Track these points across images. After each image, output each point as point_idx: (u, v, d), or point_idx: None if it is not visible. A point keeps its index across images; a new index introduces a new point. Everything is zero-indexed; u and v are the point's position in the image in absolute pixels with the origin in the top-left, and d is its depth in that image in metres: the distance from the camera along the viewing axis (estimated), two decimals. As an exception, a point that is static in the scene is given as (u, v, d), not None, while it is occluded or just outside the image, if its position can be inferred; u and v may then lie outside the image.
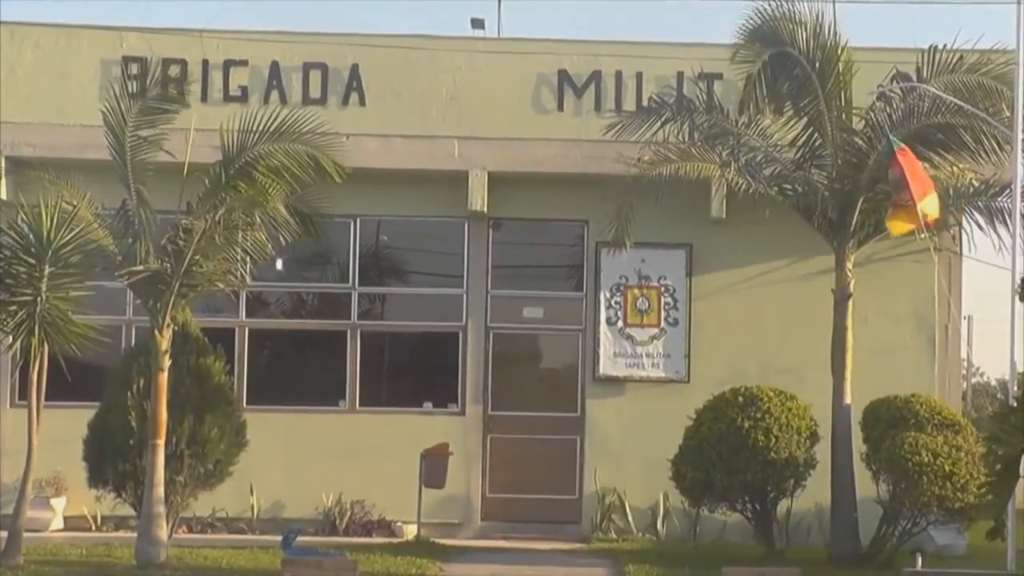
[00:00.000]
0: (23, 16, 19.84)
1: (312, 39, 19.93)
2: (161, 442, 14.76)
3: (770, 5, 17.13)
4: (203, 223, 14.83)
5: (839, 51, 17.10)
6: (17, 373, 18.35)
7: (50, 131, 18.27)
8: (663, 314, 19.97)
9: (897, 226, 16.25)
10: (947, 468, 15.81)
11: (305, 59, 19.66)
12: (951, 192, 17.52)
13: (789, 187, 17.63)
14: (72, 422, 15.99)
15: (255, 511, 18.94)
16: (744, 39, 17.36)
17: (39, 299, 14.55)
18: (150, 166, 15.45)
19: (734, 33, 17.41)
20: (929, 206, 15.84)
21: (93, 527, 18.48)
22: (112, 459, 15.54)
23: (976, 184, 17.59)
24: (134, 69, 19.21)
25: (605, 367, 19.91)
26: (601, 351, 19.92)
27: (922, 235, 16.53)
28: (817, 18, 17.08)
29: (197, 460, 15.54)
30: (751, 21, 17.25)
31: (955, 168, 17.18)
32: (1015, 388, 14.66)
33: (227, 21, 21.05)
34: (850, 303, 17.26)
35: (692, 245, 19.86)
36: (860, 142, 17.22)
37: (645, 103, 18.89)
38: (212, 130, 15.58)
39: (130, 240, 15.09)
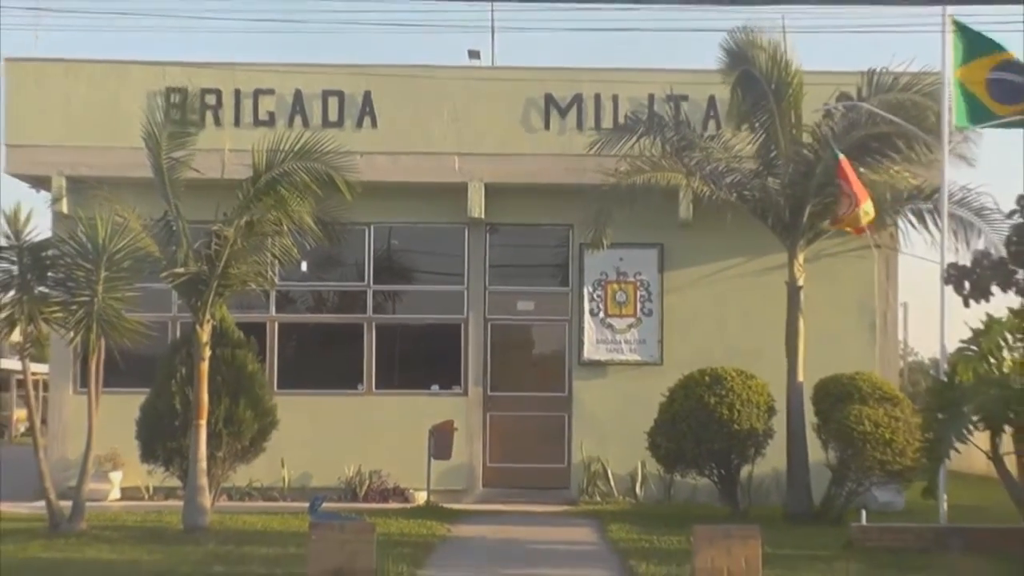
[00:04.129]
0: (77, 53, 19.95)
1: (330, 70, 19.93)
2: (203, 423, 14.88)
3: (739, 32, 17.22)
4: (234, 231, 14.90)
5: (792, 74, 17.18)
6: (78, 364, 18.42)
7: (103, 153, 18.31)
8: (639, 305, 20.02)
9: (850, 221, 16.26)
10: (887, 436, 15.90)
11: (324, 87, 19.67)
12: (888, 196, 17.61)
13: (747, 193, 17.65)
14: (126, 406, 16.05)
15: (286, 481, 18.98)
16: (727, 57, 17.46)
17: (96, 299, 14.66)
18: (192, 183, 15.52)
19: (717, 51, 17.54)
20: (867, 209, 15.95)
21: (146, 497, 18.55)
22: (161, 438, 15.64)
23: (911, 188, 17.68)
24: (176, 99, 19.40)
25: (589, 352, 19.96)
26: (585, 338, 19.96)
27: (862, 235, 16.62)
28: (775, 45, 17.19)
29: (234, 438, 15.62)
30: (727, 43, 17.36)
31: (891, 172, 17.23)
32: (945, 366, 14.73)
33: (255, 55, 21.05)
34: (801, 294, 17.37)
35: (663, 245, 19.89)
36: (808, 153, 17.28)
37: (621, 121, 18.88)
38: (244, 150, 15.65)
39: (173, 247, 15.16)
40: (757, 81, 17.19)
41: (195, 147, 15.84)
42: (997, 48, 15.24)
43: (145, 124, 15.20)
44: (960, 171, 17.44)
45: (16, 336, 15.57)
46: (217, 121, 19.49)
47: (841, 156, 15.99)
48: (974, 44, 15.23)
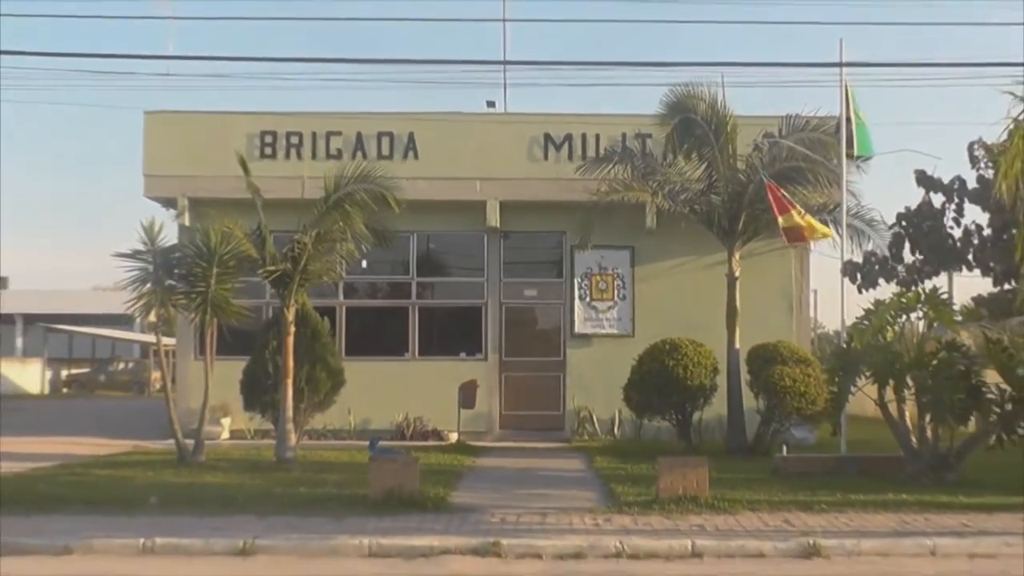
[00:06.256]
0: (195, 107, 20.11)
1: (383, 116, 20.01)
2: (290, 382, 14.90)
3: (679, 87, 17.26)
4: (311, 238, 15.03)
5: (727, 118, 17.20)
6: (197, 337, 18.52)
7: (215, 181, 18.36)
8: (616, 292, 20.07)
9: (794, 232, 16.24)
10: (802, 389, 15.96)
11: (379, 129, 19.73)
12: (803, 210, 17.62)
13: (697, 207, 17.67)
14: (232, 369, 16.09)
15: (352, 425, 19.04)
16: (664, 109, 17.46)
17: (210, 290, 14.78)
18: (281, 201, 15.64)
19: (657, 105, 17.49)
20: (790, 220, 15.88)
21: (248, 437, 18.56)
22: (259, 393, 15.67)
23: (819, 203, 17.68)
24: (268, 139, 19.57)
25: (578, 327, 20.03)
26: (575, 317, 20.03)
27: (781, 240, 16.66)
28: (712, 95, 17.21)
29: (313, 393, 15.63)
30: (668, 97, 17.34)
31: (804, 193, 17.24)
32: (844, 336, 14.83)
33: (327, 106, 21.17)
34: (737, 283, 17.42)
35: (634, 247, 19.94)
36: (742, 177, 17.29)
37: (601, 154, 18.89)
38: (319, 177, 15.71)
39: (266, 250, 15.25)
40: (698, 124, 17.18)
41: (281, 176, 15.93)
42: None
43: (239, 163, 15.26)
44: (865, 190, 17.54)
45: (152, 317, 15.74)
46: (299, 155, 19.60)
47: (768, 180, 16.02)
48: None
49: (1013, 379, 12.68)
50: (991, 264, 24.21)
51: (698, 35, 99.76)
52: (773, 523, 10.23)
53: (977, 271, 25.12)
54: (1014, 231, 14.20)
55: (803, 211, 15.97)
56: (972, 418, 13.33)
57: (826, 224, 16.85)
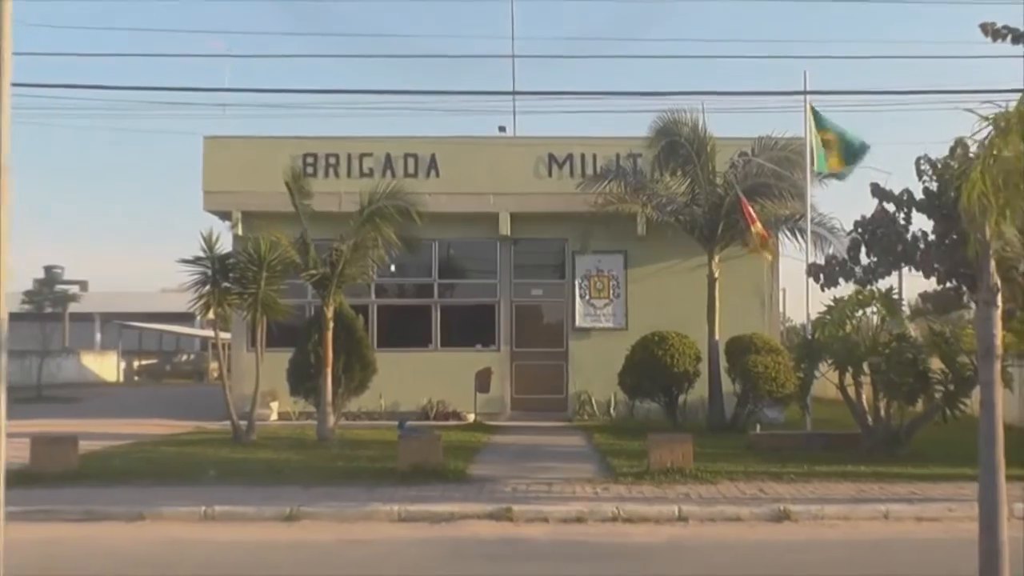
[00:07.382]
0: (247, 132, 20.16)
1: (409, 140, 19.99)
2: (329, 370, 14.99)
3: (666, 113, 17.27)
4: (347, 246, 15.06)
5: (707, 140, 17.20)
6: (249, 332, 18.54)
7: (265, 196, 18.28)
8: (612, 291, 20.03)
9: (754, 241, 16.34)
10: (773, 375, 15.95)
11: (405, 151, 19.70)
12: (774, 219, 17.63)
13: (681, 217, 17.69)
14: (279, 359, 16.13)
15: (383, 408, 19.01)
16: (653, 133, 17.46)
17: (260, 291, 14.83)
18: (321, 214, 15.70)
19: (647, 129, 17.49)
20: (756, 231, 16.01)
21: (293, 418, 18.65)
22: (303, 380, 15.71)
23: (787, 213, 17.69)
24: (310, 160, 19.61)
25: (579, 322, 19.99)
26: (576, 313, 19.99)
27: (750, 247, 16.68)
28: (694, 120, 17.21)
29: (349, 380, 15.68)
30: (656, 122, 17.35)
31: (772, 204, 17.22)
32: (810, 329, 14.80)
33: (361, 131, 21.16)
34: (716, 283, 17.41)
35: (627, 251, 19.87)
36: (720, 191, 17.31)
37: (598, 171, 18.92)
38: (354, 193, 15.79)
39: (307, 256, 15.31)
40: (682, 146, 17.19)
41: (321, 192, 15.99)
42: (832, 127, 15.44)
43: (286, 180, 15.34)
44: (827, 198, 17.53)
45: (210, 315, 15.79)
46: (336, 174, 19.60)
47: (741, 195, 16.05)
48: (823, 119, 15.39)
49: (954, 366, 12.70)
50: (935, 265, 24.10)
51: (684, 65, 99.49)
52: (749, 491, 10.24)
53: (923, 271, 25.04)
54: (954, 236, 14.16)
55: (761, 236, 16.01)
56: (920, 399, 13.31)
57: (786, 234, 16.93)
